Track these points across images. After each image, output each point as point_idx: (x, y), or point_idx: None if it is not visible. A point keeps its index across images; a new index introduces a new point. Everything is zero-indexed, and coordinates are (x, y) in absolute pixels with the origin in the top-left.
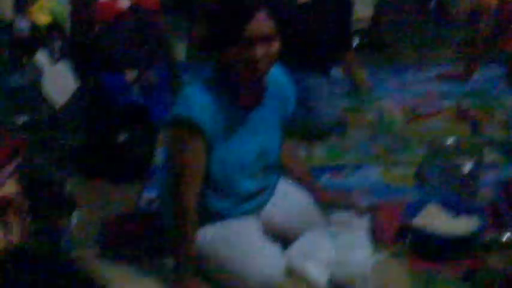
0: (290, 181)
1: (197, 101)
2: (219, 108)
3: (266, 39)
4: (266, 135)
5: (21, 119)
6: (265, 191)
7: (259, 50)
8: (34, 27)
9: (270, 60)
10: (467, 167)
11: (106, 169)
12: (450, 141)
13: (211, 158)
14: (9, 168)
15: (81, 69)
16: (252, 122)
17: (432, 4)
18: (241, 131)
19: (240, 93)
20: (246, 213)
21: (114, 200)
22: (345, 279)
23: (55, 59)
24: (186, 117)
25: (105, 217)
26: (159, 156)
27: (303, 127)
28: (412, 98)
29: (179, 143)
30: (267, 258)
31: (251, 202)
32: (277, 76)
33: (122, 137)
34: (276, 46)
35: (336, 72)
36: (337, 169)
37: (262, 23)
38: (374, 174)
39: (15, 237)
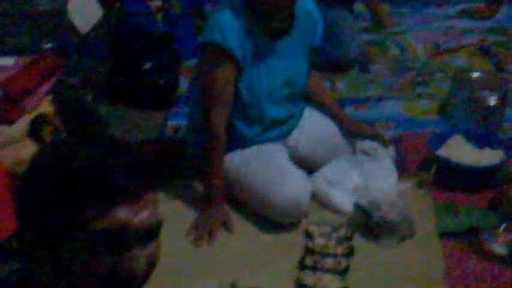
0: (316, 110)
1: (228, 27)
2: (249, 34)
3: None
4: (294, 63)
5: (48, 45)
6: (292, 119)
7: None
8: None
9: None
10: (492, 100)
11: (132, 96)
12: (475, 74)
13: (240, 84)
14: (45, 87)
15: None
16: (280, 50)
17: None
18: (269, 58)
19: (269, 20)
20: (272, 139)
21: (139, 126)
22: (370, 206)
23: None
24: (217, 43)
25: (132, 142)
26: (183, 85)
27: (327, 60)
28: (435, 33)
29: (210, 68)
30: (294, 181)
31: (278, 129)
32: (307, 4)
33: (146, 65)
34: None
35: (360, 7)
36: (361, 101)
37: None
38: (397, 107)
39: None
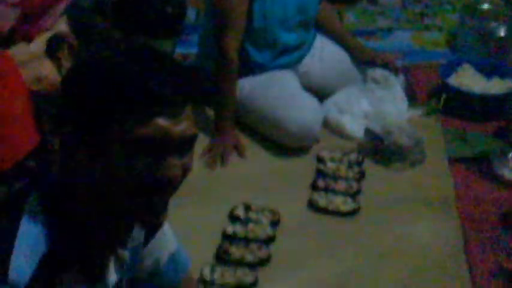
0: (328, 38)
1: None
2: None
3: None
4: None
5: None
6: (303, 46)
7: None
8: None
9: None
10: (501, 31)
11: (139, 23)
12: (485, 6)
13: (253, 9)
14: (61, 6)
15: None
16: None
17: None
18: None
19: None
20: (283, 66)
21: None
22: (381, 130)
23: None
24: None
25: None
26: (190, 14)
27: None
28: None
29: None
30: (306, 106)
31: (289, 55)
32: None
33: None
34: None
35: None
36: (370, 33)
37: None
38: (406, 38)
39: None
